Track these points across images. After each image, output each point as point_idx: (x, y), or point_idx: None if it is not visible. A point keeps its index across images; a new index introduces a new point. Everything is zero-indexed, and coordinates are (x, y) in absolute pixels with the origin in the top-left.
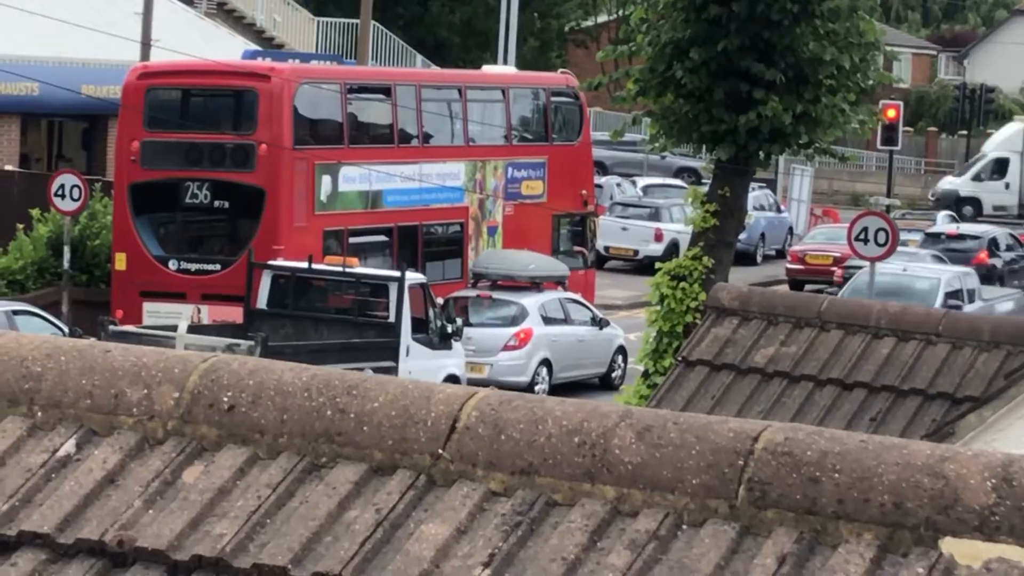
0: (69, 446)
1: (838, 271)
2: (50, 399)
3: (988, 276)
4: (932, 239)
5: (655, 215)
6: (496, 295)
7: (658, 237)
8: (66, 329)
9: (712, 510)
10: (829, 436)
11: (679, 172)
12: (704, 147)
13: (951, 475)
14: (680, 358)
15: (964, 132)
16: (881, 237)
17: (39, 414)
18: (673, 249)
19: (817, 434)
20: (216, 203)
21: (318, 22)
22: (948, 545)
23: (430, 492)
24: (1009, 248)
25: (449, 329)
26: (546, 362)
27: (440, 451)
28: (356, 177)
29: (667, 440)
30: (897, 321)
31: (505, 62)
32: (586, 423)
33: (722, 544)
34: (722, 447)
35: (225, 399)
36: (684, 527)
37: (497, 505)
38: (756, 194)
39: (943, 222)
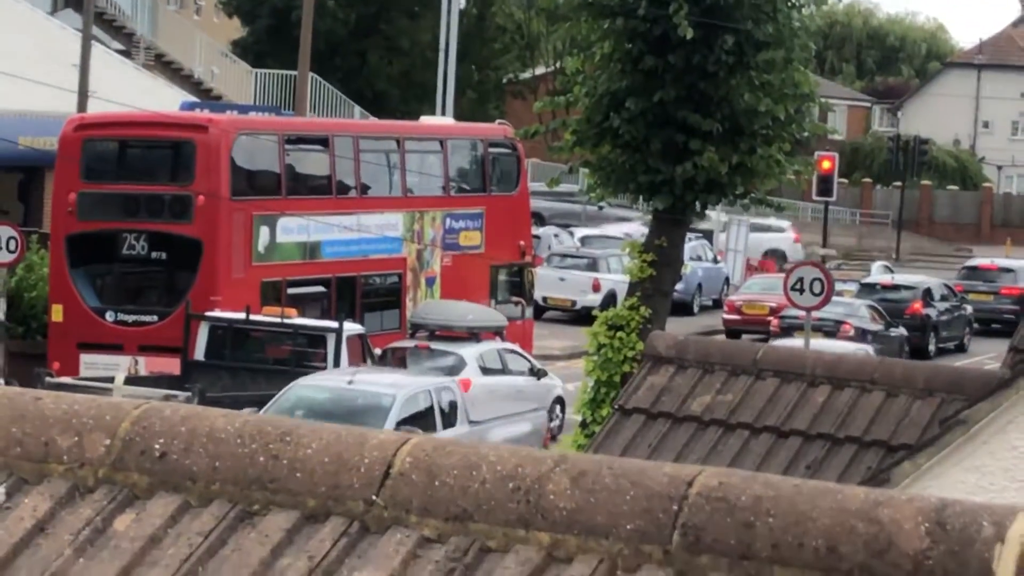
0: None
1: (775, 321)
2: None
3: (923, 326)
4: (867, 289)
5: (593, 265)
6: (434, 345)
7: (596, 287)
8: (2, 381)
9: (646, 555)
10: (763, 481)
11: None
12: (641, 197)
13: (885, 519)
14: (617, 406)
15: (899, 183)
16: (817, 287)
17: None
18: (611, 299)
19: (751, 479)
20: (153, 254)
21: (256, 74)
22: None
23: (364, 539)
24: (943, 298)
25: None
26: None
27: (374, 497)
28: (294, 228)
29: (602, 485)
30: (832, 369)
31: (443, 113)
32: (520, 468)
33: None
34: (656, 492)
35: (157, 446)
36: (619, 573)
37: (431, 552)
38: (693, 244)
39: (877, 272)
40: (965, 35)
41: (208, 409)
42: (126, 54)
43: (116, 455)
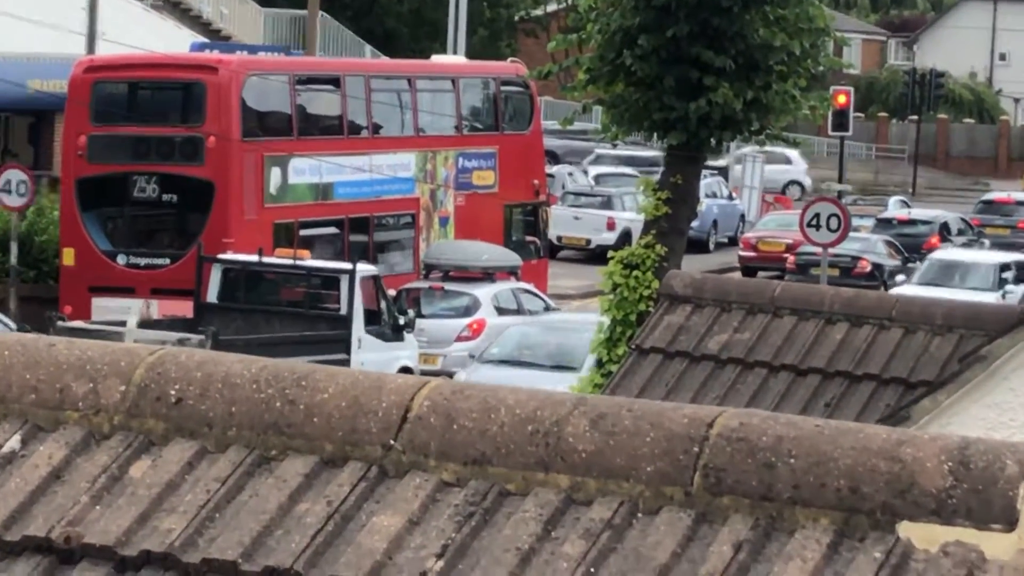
0: (14, 442)
1: (791, 258)
2: None
3: None
4: (884, 224)
5: (607, 204)
6: (448, 286)
7: (610, 226)
8: (14, 326)
9: (667, 497)
10: (784, 421)
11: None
12: (655, 135)
13: (908, 459)
14: (633, 346)
15: (915, 117)
16: (833, 223)
17: None
18: (625, 238)
19: (772, 419)
20: (165, 197)
21: (265, 13)
22: (905, 529)
23: (382, 483)
24: (960, 232)
25: (401, 321)
26: None
27: (392, 442)
28: (306, 169)
29: (621, 427)
30: (850, 306)
31: (455, 52)
32: (539, 411)
33: (678, 531)
34: (677, 434)
35: (172, 392)
36: (639, 515)
37: (450, 496)
38: (708, 181)
39: (894, 207)
40: None
41: (223, 354)
42: None
43: (131, 401)
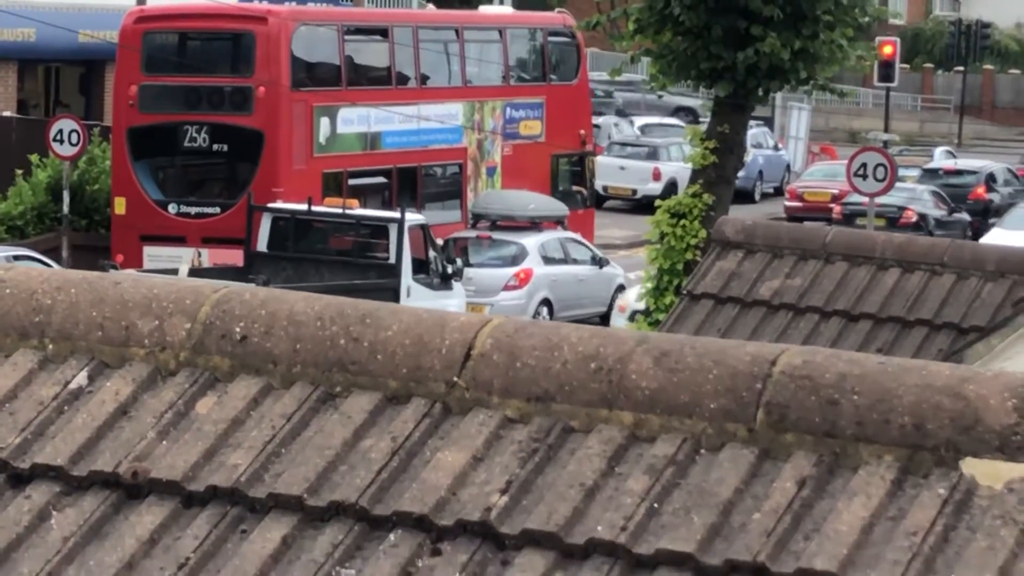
0: (81, 378)
1: (837, 208)
2: (61, 332)
3: (986, 211)
4: (930, 175)
5: (653, 154)
6: (496, 235)
7: (656, 176)
8: None
9: (731, 434)
10: (848, 358)
11: (676, 111)
12: (702, 85)
13: (972, 396)
14: (685, 292)
15: (960, 68)
16: (880, 173)
17: (50, 347)
18: (671, 188)
19: (835, 356)
20: (215, 146)
21: None
22: (969, 466)
23: (446, 420)
24: (1006, 183)
25: (449, 270)
26: (546, 302)
27: (455, 379)
28: (355, 119)
29: (684, 364)
30: (902, 252)
31: (502, 2)
32: (602, 349)
33: (741, 468)
34: (740, 371)
35: (237, 329)
36: (702, 452)
37: (513, 432)
38: (754, 132)
39: (940, 158)
40: None
41: (287, 292)
42: None
43: (197, 339)
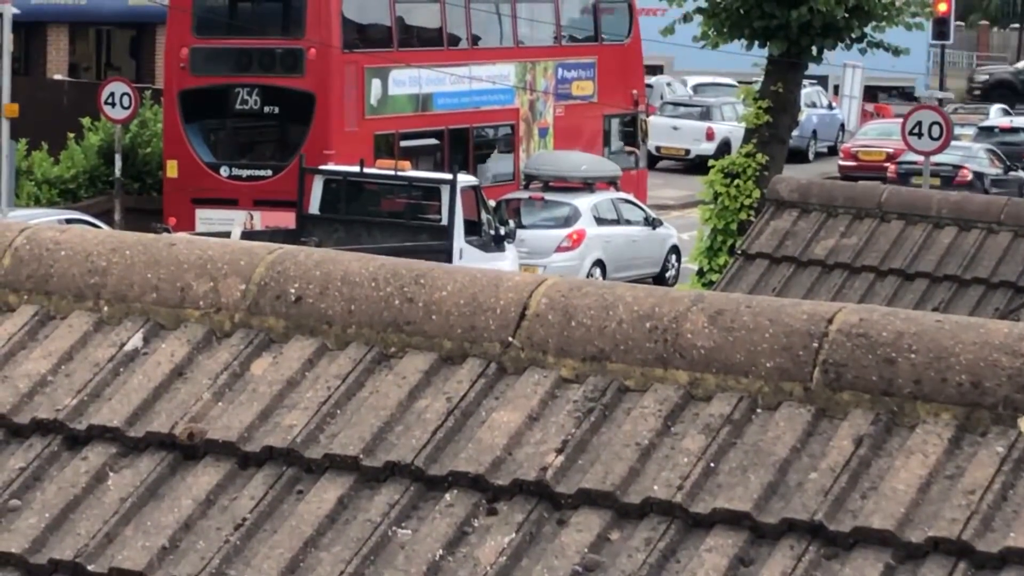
0: (136, 340)
1: (891, 166)
2: (116, 293)
3: None
4: (985, 133)
5: (706, 114)
6: (548, 196)
7: (709, 136)
8: None
9: (787, 393)
10: (904, 317)
11: None
12: (756, 43)
13: None
14: (739, 251)
15: (1016, 26)
16: (935, 131)
17: (105, 309)
18: (725, 148)
19: (892, 315)
20: (266, 108)
21: None
22: None
23: (501, 380)
24: None
25: (502, 231)
26: (599, 263)
27: (510, 339)
28: (406, 80)
29: (740, 323)
30: (958, 210)
31: None
32: (657, 308)
33: (797, 427)
34: (796, 329)
35: (292, 290)
36: (759, 410)
37: (569, 392)
38: (807, 91)
39: (996, 115)
40: None
41: (341, 253)
42: None
43: (252, 300)
